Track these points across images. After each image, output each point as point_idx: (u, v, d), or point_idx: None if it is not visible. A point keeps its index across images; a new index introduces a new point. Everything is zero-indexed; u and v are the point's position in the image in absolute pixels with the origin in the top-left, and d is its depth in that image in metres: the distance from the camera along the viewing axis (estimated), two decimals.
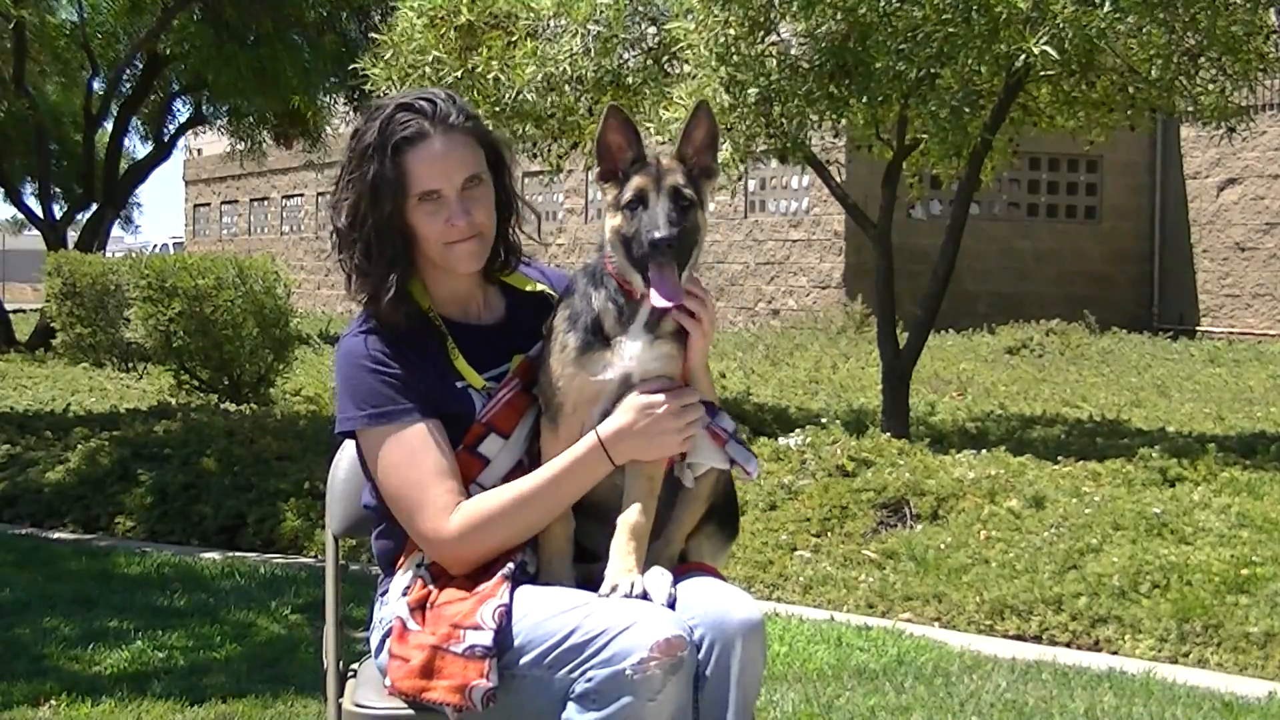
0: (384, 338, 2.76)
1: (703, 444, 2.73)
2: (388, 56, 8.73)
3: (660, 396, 2.65)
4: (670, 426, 2.65)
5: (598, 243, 2.74)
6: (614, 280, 2.68)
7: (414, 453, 2.69)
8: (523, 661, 2.55)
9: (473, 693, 2.51)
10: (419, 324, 2.79)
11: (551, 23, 8.33)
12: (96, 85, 20.01)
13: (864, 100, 7.73)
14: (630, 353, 2.67)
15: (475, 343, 2.81)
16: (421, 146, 2.72)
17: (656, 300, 2.59)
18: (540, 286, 2.94)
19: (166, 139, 20.93)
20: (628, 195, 2.64)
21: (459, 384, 2.76)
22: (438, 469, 2.69)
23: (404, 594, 2.73)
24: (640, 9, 8.28)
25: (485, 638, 2.53)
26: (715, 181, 2.74)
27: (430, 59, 8.50)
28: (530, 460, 2.76)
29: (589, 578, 2.67)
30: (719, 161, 2.76)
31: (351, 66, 9.55)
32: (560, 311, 2.76)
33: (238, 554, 7.07)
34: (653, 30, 8.45)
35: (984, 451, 7.61)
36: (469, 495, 2.72)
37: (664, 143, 7.77)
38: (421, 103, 2.75)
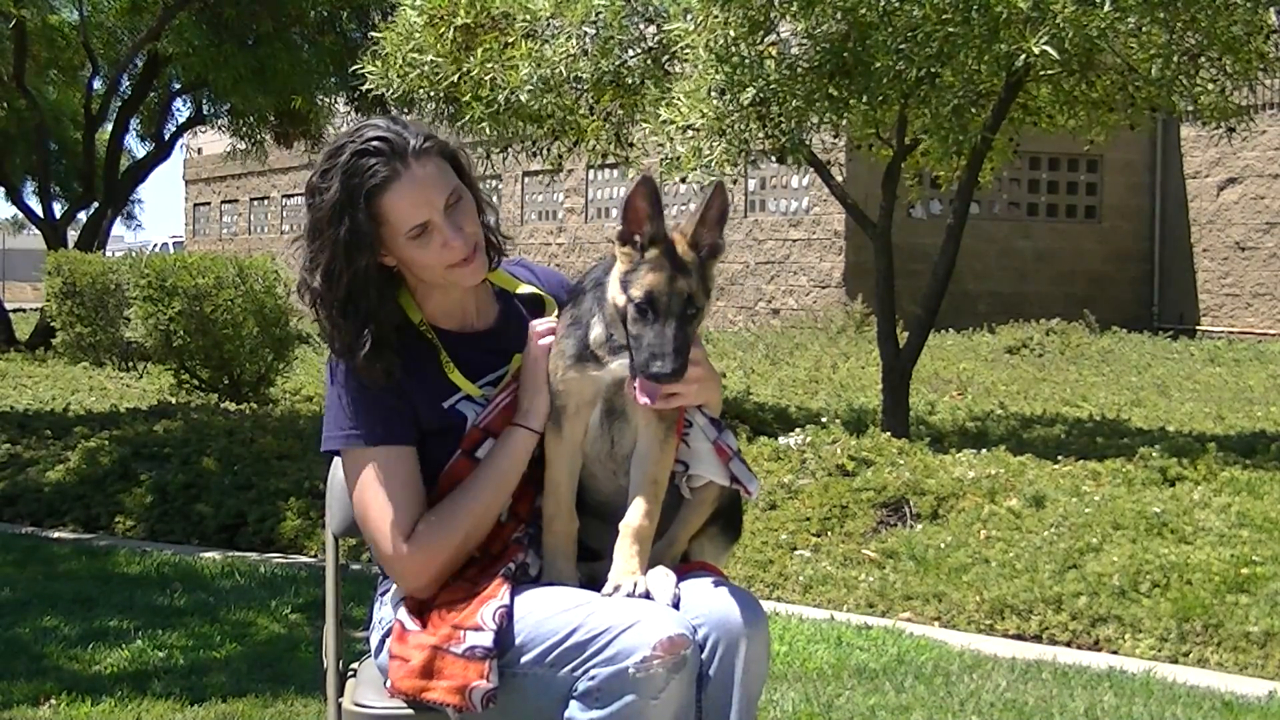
0: None
1: (707, 457, 2.74)
2: (385, 54, 8.73)
3: (538, 347, 2.73)
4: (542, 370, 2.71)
5: (601, 246, 2.73)
6: (608, 319, 2.68)
7: (385, 477, 2.70)
8: (525, 659, 2.55)
9: (473, 694, 2.51)
10: (410, 338, 2.78)
11: (549, 24, 8.32)
12: (97, 84, 20.00)
13: (864, 100, 7.73)
14: (611, 369, 2.68)
15: (470, 351, 2.81)
16: (395, 188, 2.67)
17: (641, 399, 2.60)
18: (531, 288, 2.93)
19: (166, 138, 20.92)
20: (638, 293, 2.59)
21: (447, 402, 2.76)
22: (404, 493, 2.70)
23: (404, 595, 2.73)
24: (638, 9, 8.28)
25: (485, 639, 2.53)
26: (721, 257, 2.71)
27: (428, 60, 8.50)
28: (531, 464, 2.76)
29: (593, 577, 2.68)
30: (723, 234, 2.74)
31: (353, 69, 9.56)
32: (566, 315, 2.76)
33: (238, 554, 7.07)
34: (652, 30, 8.45)
35: (984, 451, 7.61)
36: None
37: (661, 144, 7.78)
38: (376, 143, 2.68)
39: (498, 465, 2.71)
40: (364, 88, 9.06)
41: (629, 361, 2.62)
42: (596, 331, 2.68)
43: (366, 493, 2.72)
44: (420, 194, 2.69)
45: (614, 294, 2.64)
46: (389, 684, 2.65)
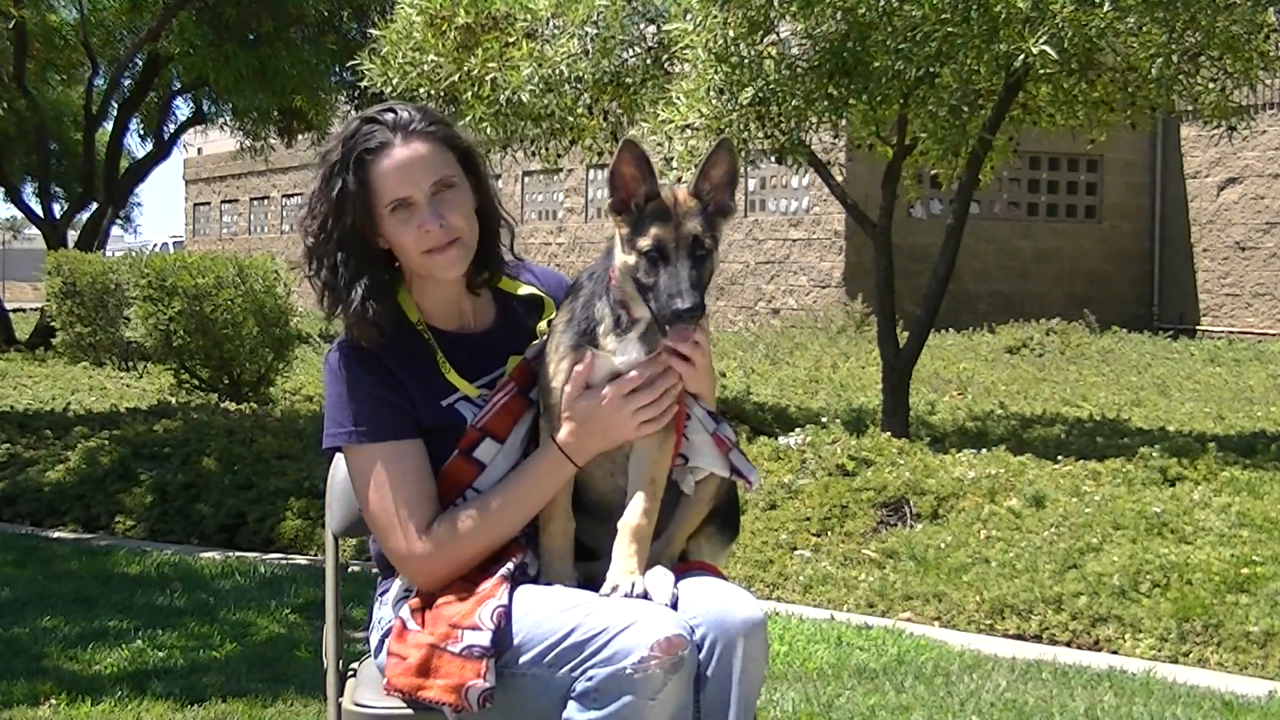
0: (370, 353, 2.75)
1: (706, 449, 2.74)
2: (385, 52, 8.73)
3: (600, 393, 2.67)
4: (618, 416, 2.66)
5: (601, 245, 2.73)
6: (615, 295, 2.67)
7: (392, 472, 2.70)
8: (523, 660, 2.54)
9: (469, 693, 2.51)
10: (407, 337, 2.78)
11: (550, 24, 8.33)
12: (97, 84, 20.01)
13: (863, 100, 7.73)
14: (623, 358, 2.67)
15: (467, 352, 2.81)
16: (384, 156, 2.71)
17: (672, 342, 2.62)
18: (531, 289, 2.93)
19: (166, 138, 20.93)
20: (646, 244, 2.59)
21: (445, 401, 2.75)
22: (414, 489, 2.70)
23: (404, 596, 2.73)
24: (639, 9, 8.28)
25: (483, 638, 2.53)
26: (730, 218, 2.71)
27: (428, 59, 8.50)
28: None
29: (591, 577, 2.67)
30: (734, 198, 2.73)
31: (351, 64, 9.58)
32: (561, 314, 2.75)
33: (237, 553, 7.07)
34: (652, 30, 8.45)
35: (984, 451, 7.61)
36: (465, 500, 2.73)
37: (660, 144, 7.78)
38: (385, 114, 2.75)
39: (533, 489, 2.70)
40: (363, 84, 9.07)
41: (648, 306, 2.60)
42: (605, 323, 2.67)
43: (374, 490, 2.71)
44: (406, 169, 2.71)
45: (621, 259, 2.64)
46: (386, 681, 2.65)
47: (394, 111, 2.75)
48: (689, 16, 7.74)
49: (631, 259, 2.62)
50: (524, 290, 2.92)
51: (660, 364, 2.66)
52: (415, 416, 2.73)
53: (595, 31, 8.07)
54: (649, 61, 8.39)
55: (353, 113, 17.89)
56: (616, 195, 2.65)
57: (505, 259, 2.89)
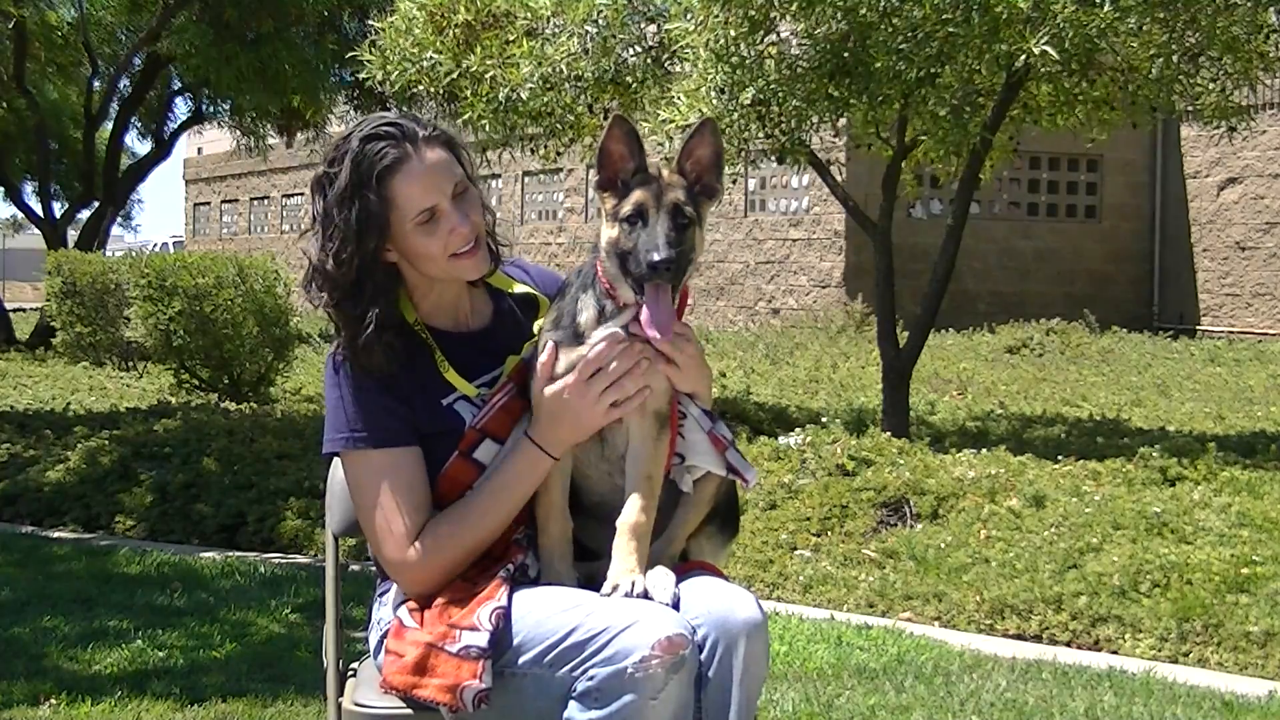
0: None
1: (702, 448, 2.74)
2: (384, 48, 8.73)
3: (562, 381, 2.66)
4: (584, 402, 2.64)
5: (594, 243, 2.73)
6: (602, 284, 2.67)
7: (387, 479, 2.69)
8: (523, 660, 2.54)
9: (464, 693, 2.50)
10: (405, 338, 2.77)
11: (551, 21, 8.33)
12: (97, 83, 20.01)
13: (864, 100, 7.73)
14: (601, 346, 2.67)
15: (465, 350, 2.80)
16: (405, 170, 2.69)
17: (650, 331, 2.59)
18: (526, 287, 2.93)
19: (166, 137, 20.93)
20: (627, 209, 2.61)
21: (444, 400, 2.75)
22: (409, 497, 2.69)
23: (404, 597, 2.73)
24: (639, 8, 8.28)
25: (481, 639, 2.53)
26: (716, 201, 2.72)
27: (428, 56, 8.51)
28: None
29: (591, 577, 2.67)
30: (723, 181, 2.73)
31: (350, 55, 9.60)
32: (550, 314, 2.76)
33: (237, 553, 7.07)
34: (652, 29, 8.46)
35: (984, 451, 7.61)
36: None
37: (660, 144, 7.78)
38: (386, 129, 2.71)
39: (513, 487, 2.69)
40: (362, 76, 9.09)
41: (626, 273, 2.59)
42: (587, 314, 2.67)
43: (369, 496, 2.71)
44: (430, 178, 2.70)
45: (606, 235, 2.64)
46: (382, 679, 2.64)
47: (396, 124, 2.72)
48: (689, 16, 7.74)
49: (614, 231, 2.62)
50: (519, 289, 2.93)
51: (617, 344, 2.65)
52: (414, 423, 2.73)
53: (596, 30, 8.08)
54: (649, 61, 8.39)
55: (352, 113, 17.87)
56: (604, 172, 2.66)
57: (499, 251, 2.89)
